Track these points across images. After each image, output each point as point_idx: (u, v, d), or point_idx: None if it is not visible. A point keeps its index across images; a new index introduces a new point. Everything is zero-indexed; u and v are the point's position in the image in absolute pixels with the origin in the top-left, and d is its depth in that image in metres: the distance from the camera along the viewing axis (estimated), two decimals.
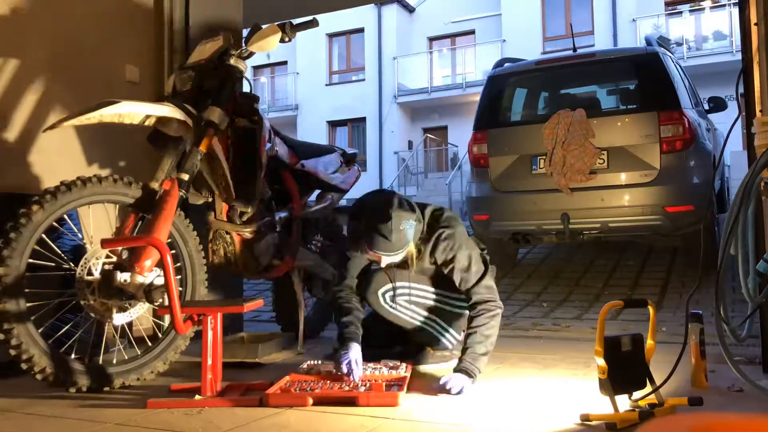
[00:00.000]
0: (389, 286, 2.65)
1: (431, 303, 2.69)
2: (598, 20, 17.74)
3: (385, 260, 2.45)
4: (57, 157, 3.00)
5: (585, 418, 1.85)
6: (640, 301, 2.04)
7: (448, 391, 2.20)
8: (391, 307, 2.67)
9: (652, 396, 1.92)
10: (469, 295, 2.50)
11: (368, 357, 2.53)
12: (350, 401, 2.09)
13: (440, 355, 2.72)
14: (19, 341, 2.15)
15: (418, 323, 2.70)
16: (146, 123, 2.47)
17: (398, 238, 2.37)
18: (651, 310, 2.01)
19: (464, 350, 2.37)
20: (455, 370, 2.31)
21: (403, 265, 2.57)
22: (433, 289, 2.67)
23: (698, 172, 4.54)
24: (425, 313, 2.69)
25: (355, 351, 2.38)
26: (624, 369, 1.92)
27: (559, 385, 2.31)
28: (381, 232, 2.35)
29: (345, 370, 2.30)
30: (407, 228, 2.39)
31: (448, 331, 2.72)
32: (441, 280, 2.62)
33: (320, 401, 2.11)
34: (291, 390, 2.21)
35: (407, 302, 2.66)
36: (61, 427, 1.92)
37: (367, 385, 2.21)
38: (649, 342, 1.99)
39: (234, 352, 2.85)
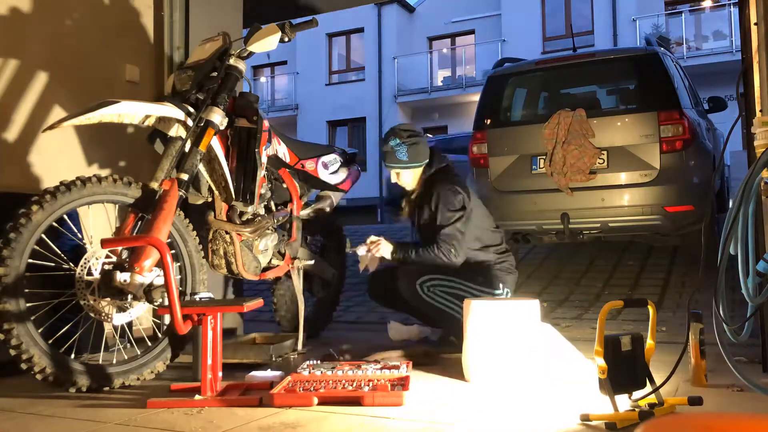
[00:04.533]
0: (427, 276, 2.96)
1: (463, 294, 2.93)
2: (598, 20, 17.73)
3: (395, 177, 3.15)
4: (57, 157, 3.00)
5: (585, 418, 1.85)
6: (640, 300, 2.04)
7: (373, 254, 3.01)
8: (427, 296, 2.95)
9: (652, 396, 1.92)
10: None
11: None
12: (355, 401, 2.09)
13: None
14: (19, 341, 2.15)
15: (451, 312, 2.95)
16: (146, 123, 2.47)
17: (402, 151, 3.06)
18: (651, 309, 2.01)
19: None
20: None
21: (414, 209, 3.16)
22: (465, 282, 3.01)
23: (698, 172, 4.53)
24: (458, 303, 2.89)
25: (384, 243, 3.01)
26: (624, 369, 1.92)
27: (559, 385, 2.31)
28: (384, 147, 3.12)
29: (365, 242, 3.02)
30: (406, 146, 3.06)
31: None
32: (471, 273, 3.03)
33: (325, 401, 2.11)
34: (295, 390, 2.21)
35: (444, 293, 2.96)
36: (61, 427, 1.92)
37: (371, 384, 2.21)
38: (649, 342, 1.99)
39: (245, 353, 2.85)
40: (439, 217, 2.99)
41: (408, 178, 3.14)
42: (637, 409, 1.86)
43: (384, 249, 3.04)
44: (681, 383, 2.28)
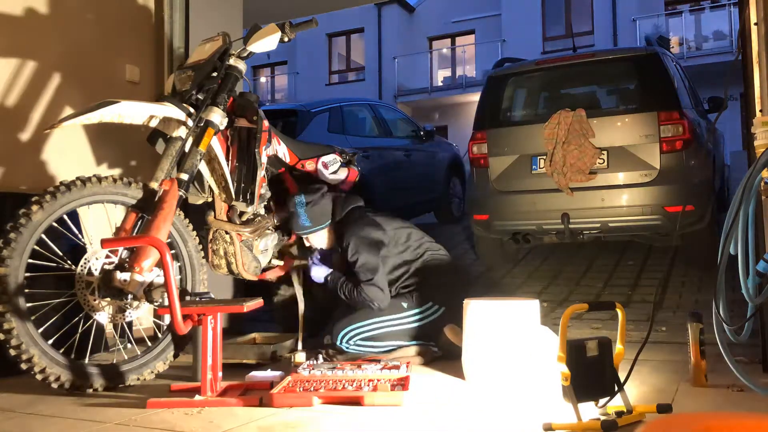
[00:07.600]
0: (345, 331, 2.88)
1: (385, 329, 2.87)
2: (598, 20, 17.73)
3: (307, 242, 3.01)
4: (58, 157, 3.00)
5: (548, 427, 1.80)
6: (607, 303, 1.99)
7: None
8: (351, 350, 2.88)
9: (623, 403, 1.87)
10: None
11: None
12: (355, 401, 2.09)
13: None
14: (19, 341, 2.15)
15: (385, 351, 2.88)
16: (146, 123, 2.47)
17: (303, 217, 2.91)
18: (620, 312, 1.97)
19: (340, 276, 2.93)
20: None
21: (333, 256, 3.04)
22: (379, 318, 2.87)
23: (698, 172, 4.53)
24: (384, 343, 2.87)
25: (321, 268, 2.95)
26: (590, 375, 1.86)
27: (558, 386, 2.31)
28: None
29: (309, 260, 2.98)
30: (304, 210, 2.90)
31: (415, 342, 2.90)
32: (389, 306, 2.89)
33: (325, 401, 2.12)
34: (295, 390, 2.21)
35: (362, 340, 2.87)
36: (61, 427, 1.92)
37: (371, 385, 2.21)
38: (619, 347, 1.95)
39: (246, 352, 2.85)
40: (360, 274, 2.84)
41: (317, 240, 3.00)
42: (601, 418, 1.81)
43: (319, 272, 2.95)
44: (681, 383, 2.28)
